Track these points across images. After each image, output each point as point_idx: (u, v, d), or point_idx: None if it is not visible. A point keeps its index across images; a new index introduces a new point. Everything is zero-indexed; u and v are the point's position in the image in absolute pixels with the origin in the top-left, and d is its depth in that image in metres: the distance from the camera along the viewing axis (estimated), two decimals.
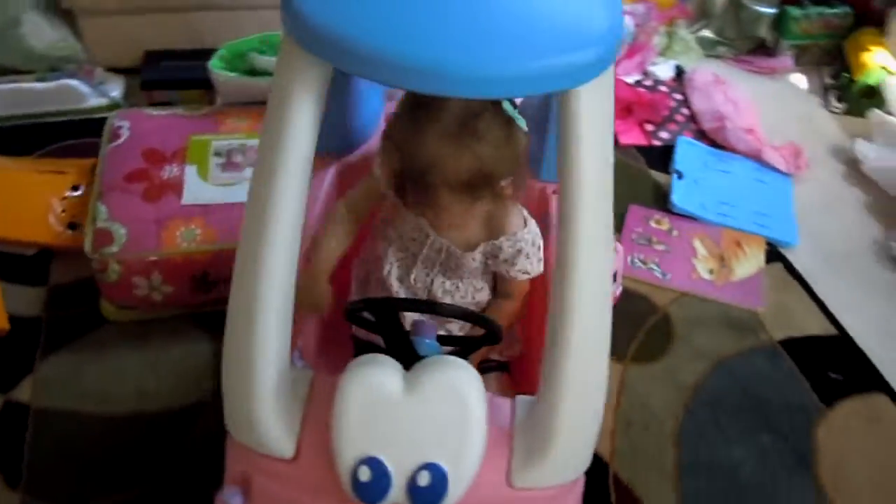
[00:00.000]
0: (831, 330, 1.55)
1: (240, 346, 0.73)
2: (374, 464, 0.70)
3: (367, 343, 1.02)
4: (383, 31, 0.60)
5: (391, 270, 1.04)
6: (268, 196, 0.68)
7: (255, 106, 1.61)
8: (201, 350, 1.34)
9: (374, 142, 1.15)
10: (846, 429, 1.37)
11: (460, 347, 0.90)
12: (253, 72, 1.59)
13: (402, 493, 0.70)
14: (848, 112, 2.10)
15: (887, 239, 1.76)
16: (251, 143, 1.52)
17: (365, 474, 0.70)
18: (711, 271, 1.62)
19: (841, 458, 1.32)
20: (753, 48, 2.30)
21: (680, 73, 2.17)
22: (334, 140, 1.11)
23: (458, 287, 1.04)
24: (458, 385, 0.71)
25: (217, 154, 1.49)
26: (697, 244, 1.68)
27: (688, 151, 1.90)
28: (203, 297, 1.37)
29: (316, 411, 0.76)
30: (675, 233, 1.71)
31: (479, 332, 0.92)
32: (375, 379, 0.71)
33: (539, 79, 0.62)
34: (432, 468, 0.70)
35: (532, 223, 1.02)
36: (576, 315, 0.71)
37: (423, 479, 0.70)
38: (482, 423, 0.71)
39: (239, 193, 1.40)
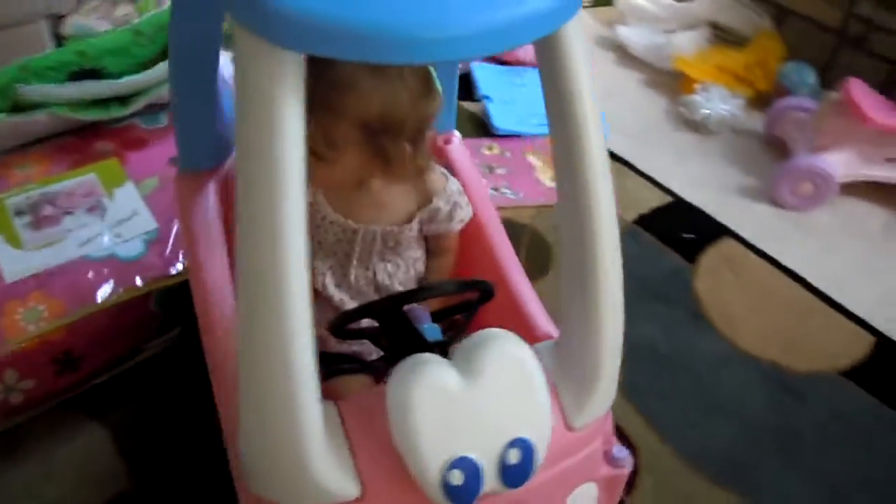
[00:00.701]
0: (667, 198, 1.71)
1: (275, 395, 0.62)
2: (464, 463, 0.65)
3: (335, 355, 0.94)
4: (376, 5, 0.52)
5: (325, 282, 0.98)
6: (273, 221, 0.58)
7: (35, 146, 1.37)
8: (97, 438, 1.14)
9: None
10: (714, 275, 1.54)
11: (462, 319, 0.86)
12: (19, 108, 1.33)
13: (494, 479, 0.67)
14: (597, 3, 2.28)
15: (675, 105, 1.96)
16: (55, 188, 1.29)
17: (457, 477, 0.65)
18: (552, 178, 1.70)
19: (722, 301, 1.48)
20: None
21: None
22: (208, 154, 0.98)
23: (398, 266, 1.00)
24: (512, 353, 0.68)
25: (19, 213, 1.25)
26: (531, 158, 1.75)
27: (485, 75, 1.95)
28: (72, 378, 1.17)
29: (362, 439, 0.69)
30: (507, 154, 1.76)
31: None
32: (433, 378, 0.65)
33: (535, 21, 0.58)
34: (519, 443, 0.67)
35: (443, 170, 1.01)
36: (604, 247, 0.70)
37: (514, 457, 0.67)
38: (543, 379, 0.69)
39: (69, 248, 1.20)
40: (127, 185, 1.32)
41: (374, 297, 0.98)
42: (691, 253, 1.58)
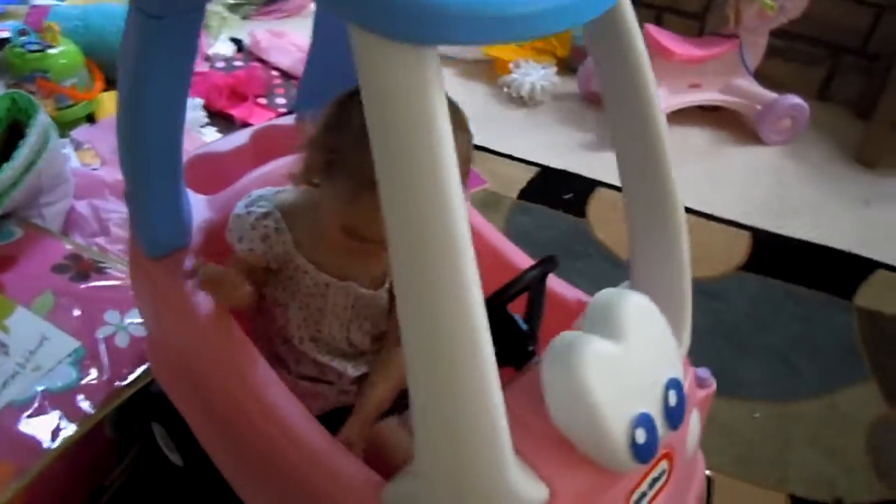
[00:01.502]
0: (534, 170, 1.81)
1: (467, 410, 0.58)
2: (643, 419, 0.66)
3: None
4: None
5: (300, 335, 0.88)
6: (445, 231, 0.54)
7: None
8: None
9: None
10: (606, 222, 1.66)
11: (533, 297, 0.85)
12: None
13: (663, 426, 0.68)
14: None
15: (496, 88, 2.08)
16: None
17: (641, 435, 0.66)
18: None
19: (623, 241, 1.60)
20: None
21: (238, 43, 2.12)
22: (182, 228, 0.87)
23: (376, 328, 0.91)
24: (638, 305, 0.70)
25: None
26: None
27: None
28: None
29: (526, 439, 0.67)
30: None
31: None
32: (592, 351, 0.65)
33: None
34: (673, 384, 0.70)
35: None
36: (677, 199, 0.76)
37: (672, 399, 0.69)
38: (665, 319, 0.72)
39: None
40: (18, 311, 1.12)
41: (349, 352, 0.90)
42: (578, 209, 1.69)
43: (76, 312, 1.13)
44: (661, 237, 0.76)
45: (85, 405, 1.03)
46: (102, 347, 1.09)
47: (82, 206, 1.41)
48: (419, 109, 0.52)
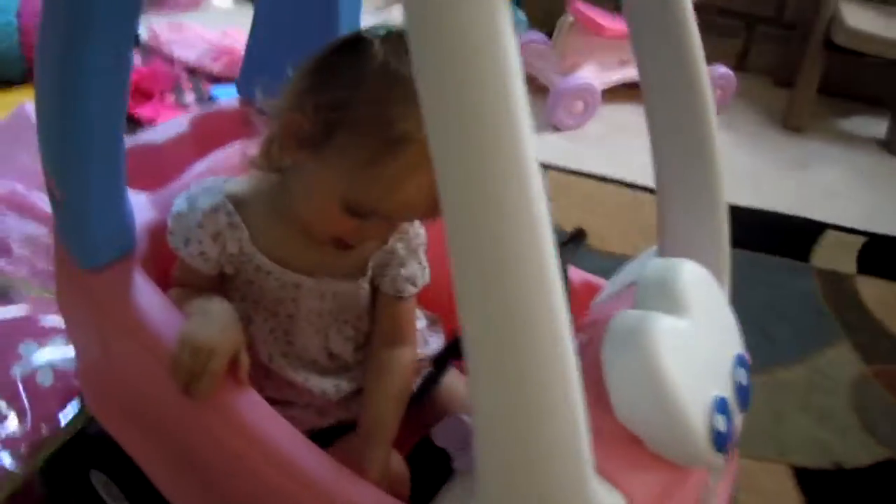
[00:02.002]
0: None
1: (550, 415, 0.47)
2: (720, 404, 0.57)
3: None
4: None
5: (269, 351, 0.74)
6: (519, 190, 0.42)
7: None
8: None
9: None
10: (556, 207, 1.59)
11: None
12: None
13: (735, 406, 0.60)
14: None
15: None
16: None
17: (721, 422, 0.57)
18: None
19: (575, 225, 1.55)
20: None
21: (135, 38, 1.92)
22: (126, 233, 0.71)
23: (355, 331, 0.77)
24: (695, 273, 0.62)
25: None
26: None
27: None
28: None
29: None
30: None
31: None
32: (661, 330, 0.55)
33: None
34: (739, 360, 0.61)
35: None
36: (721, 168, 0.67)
37: (743, 377, 0.61)
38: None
39: None
40: None
41: (329, 365, 0.76)
42: None
43: None
44: (698, 200, 0.68)
45: (6, 461, 0.85)
46: (20, 388, 0.91)
47: None
48: (491, 38, 0.40)
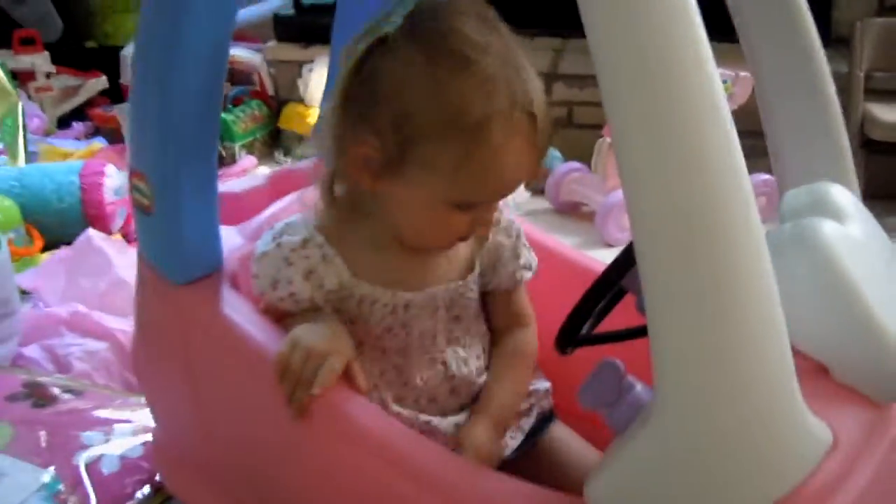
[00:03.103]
0: None
1: (764, 336, 0.41)
2: None
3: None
4: None
5: (384, 399, 0.67)
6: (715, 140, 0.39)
7: None
8: None
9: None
10: None
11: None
12: None
13: None
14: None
15: None
16: None
17: None
18: None
19: None
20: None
21: None
22: (215, 246, 0.68)
23: (470, 347, 0.72)
24: (847, 192, 0.56)
25: None
26: None
27: None
28: None
29: None
30: None
31: None
32: (838, 234, 0.49)
33: None
34: None
35: None
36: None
37: None
38: None
39: None
40: None
41: (450, 401, 0.70)
42: None
43: (43, 439, 0.86)
44: (816, 126, 0.63)
45: None
46: (83, 475, 0.82)
47: (32, 350, 1.17)
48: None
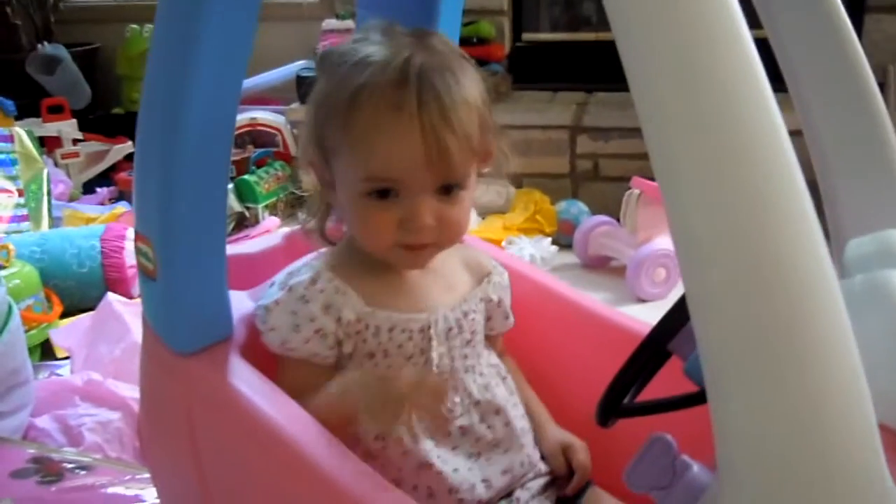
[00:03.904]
0: None
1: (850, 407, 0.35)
2: None
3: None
4: None
5: (415, 429, 0.64)
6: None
7: None
8: None
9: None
10: None
11: None
12: None
13: None
14: None
15: None
16: None
17: None
18: None
19: None
20: (236, 225, 2.25)
21: None
22: (224, 312, 0.64)
23: (484, 374, 0.71)
24: None
25: None
26: None
27: None
28: None
29: None
30: None
31: None
32: None
33: None
34: None
35: None
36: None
37: None
38: None
39: None
40: None
41: (484, 432, 0.69)
42: None
43: None
44: (873, 172, 0.57)
45: None
46: None
47: (44, 422, 1.13)
48: None
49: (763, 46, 0.62)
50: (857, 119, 0.57)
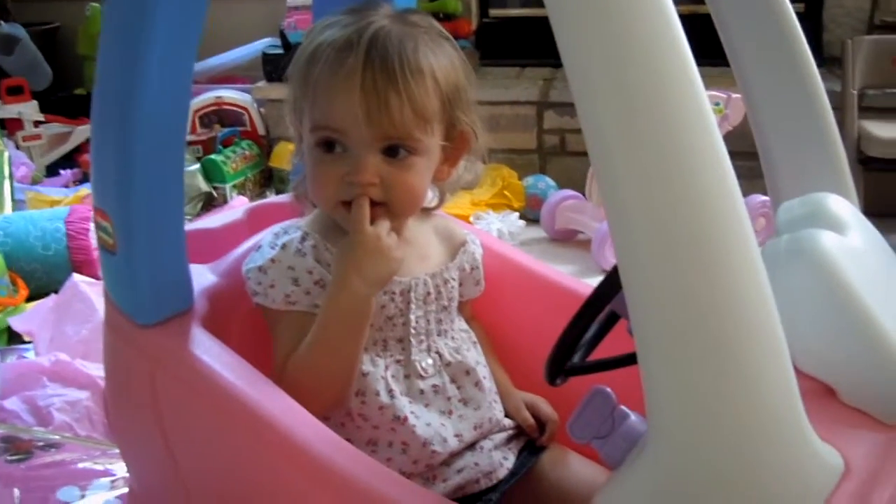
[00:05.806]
0: None
1: (768, 365, 0.38)
2: None
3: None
4: None
5: (391, 385, 0.67)
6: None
7: None
8: None
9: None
10: None
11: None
12: None
13: None
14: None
15: None
16: None
17: None
18: None
19: None
20: (204, 206, 2.24)
21: None
22: (186, 282, 0.65)
23: (457, 340, 0.75)
24: (844, 201, 0.53)
25: None
26: None
27: None
28: None
29: None
30: None
31: None
32: (838, 245, 0.46)
33: None
34: None
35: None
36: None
37: None
38: None
39: None
40: None
41: (454, 392, 0.72)
42: None
43: (17, 497, 0.82)
44: (811, 135, 0.60)
45: None
46: None
47: (12, 403, 1.13)
48: None
49: (706, 22, 0.65)
50: (793, 90, 0.59)
